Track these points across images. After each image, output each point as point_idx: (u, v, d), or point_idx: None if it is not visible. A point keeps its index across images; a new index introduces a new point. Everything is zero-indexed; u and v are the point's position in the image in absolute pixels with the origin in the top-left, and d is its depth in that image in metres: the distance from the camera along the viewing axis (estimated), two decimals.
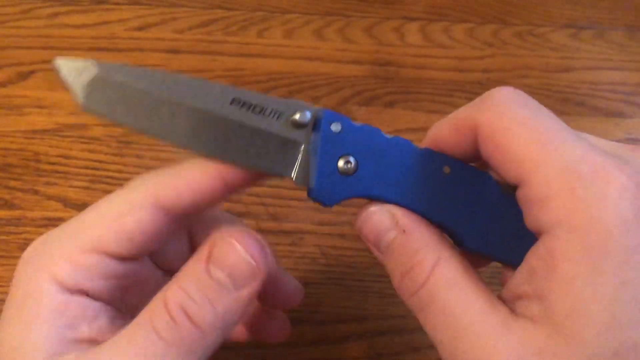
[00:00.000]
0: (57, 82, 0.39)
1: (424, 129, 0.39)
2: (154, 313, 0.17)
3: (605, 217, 0.15)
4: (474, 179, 0.20)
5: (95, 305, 0.19)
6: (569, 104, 0.41)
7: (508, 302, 0.17)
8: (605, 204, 0.15)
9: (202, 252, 0.18)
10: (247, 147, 0.19)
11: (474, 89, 0.41)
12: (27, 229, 0.34)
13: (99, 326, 0.19)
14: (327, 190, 0.20)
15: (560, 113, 0.41)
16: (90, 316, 0.19)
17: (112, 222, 0.18)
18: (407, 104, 0.40)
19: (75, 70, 0.19)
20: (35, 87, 0.39)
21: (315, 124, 0.20)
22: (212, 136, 0.19)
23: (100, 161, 0.36)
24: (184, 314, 0.17)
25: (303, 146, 0.20)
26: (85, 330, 0.18)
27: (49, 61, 0.40)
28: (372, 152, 0.20)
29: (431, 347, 0.31)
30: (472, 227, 0.20)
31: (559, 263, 0.15)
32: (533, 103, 0.17)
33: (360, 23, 0.44)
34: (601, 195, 0.15)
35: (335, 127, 0.20)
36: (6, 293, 0.30)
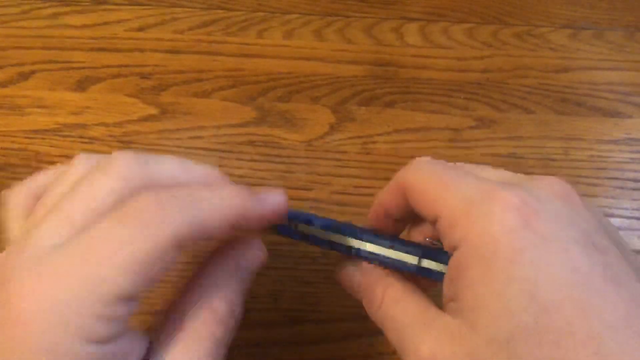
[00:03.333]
0: (58, 82, 0.39)
1: (424, 129, 0.39)
2: (213, 328, 0.20)
3: (492, 229, 0.18)
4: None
5: (130, 339, 0.19)
6: (568, 104, 0.41)
7: (443, 306, 0.21)
8: (492, 218, 0.18)
9: (230, 260, 0.22)
10: None
11: (473, 89, 0.41)
12: None
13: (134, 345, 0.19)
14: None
15: (559, 113, 0.41)
16: (127, 345, 0.19)
17: (138, 271, 0.17)
18: (406, 104, 0.40)
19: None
20: (35, 87, 0.39)
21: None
22: None
23: None
24: (234, 319, 0.21)
25: None
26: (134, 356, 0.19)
27: (49, 61, 0.41)
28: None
29: None
30: None
31: (463, 271, 0.19)
32: (442, 162, 0.22)
33: (360, 23, 0.44)
34: (488, 212, 0.18)
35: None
36: None
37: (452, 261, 0.20)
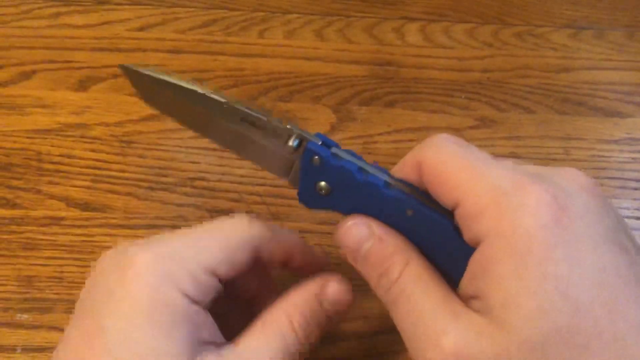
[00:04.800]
0: (59, 82, 0.39)
1: (424, 129, 0.39)
2: (284, 330, 0.22)
3: (526, 222, 0.17)
4: (433, 223, 0.22)
5: (207, 315, 0.22)
6: (568, 104, 0.41)
7: (462, 298, 0.20)
8: (525, 212, 0.17)
9: (313, 286, 0.24)
10: (255, 153, 0.25)
11: (474, 89, 0.41)
12: (30, 228, 0.34)
13: (214, 332, 0.22)
14: (309, 200, 0.24)
15: (559, 113, 0.41)
16: (208, 323, 0.22)
17: (227, 252, 0.22)
18: (407, 103, 0.40)
19: (137, 73, 0.26)
20: (37, 86, 0.39)
21: (304, 151, 0.23)
22: (230, 140, 0.25)
23: (102, 160, 0.36)
24: (305, 335, 0.22)
25: (296, 162, 0.24)
26: (206, 336, 0.21)
27: (50, 61, 0.41)
28: (345, 186, 0.23)
29: None
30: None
31: (491, 265, 0.18)
32: (463, 142, 0.21)
33: (361, 23, 0.44)
34: (521, 205, 0.18)
35: (316, 160, 0.23)
36: (7, 291, 0.31)
37: (477, 255, 0.19)
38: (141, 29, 0.42)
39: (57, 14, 0.43)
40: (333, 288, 0.23)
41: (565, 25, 0.45)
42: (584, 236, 0.17)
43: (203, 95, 0.24)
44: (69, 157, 0.36)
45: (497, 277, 0.17)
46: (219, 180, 0.35)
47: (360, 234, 0.22)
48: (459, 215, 0.19)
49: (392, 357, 0.31)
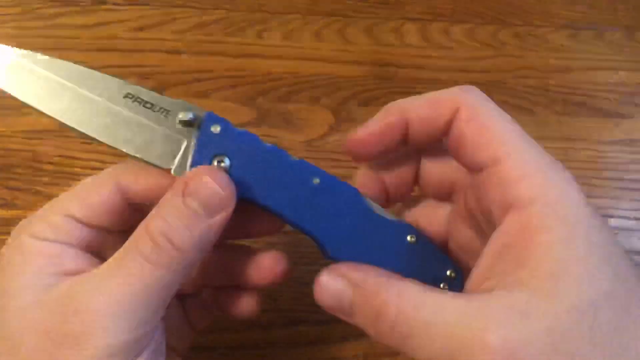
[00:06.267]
0: None
1: None
2: (139, 240, 0.20)
3: (572, 194, 0.18)
4: (341, 192, 0.22)
5: (73, 250, 0.22)
6: (568, 104, 0.41)
7: (473, 290, 0.19)
8: (571, 184, 0.18)
9: (178, 186, 0.21)
10: (134, 137, 0.22)
11: None
12: None
13: (81, 262, 0.22)
14: None
15: (560, 113, 0.41)
16: (72, 255, 0.22)
17: (79, 195, 0.23)
18: None
19: None
20: None
21: (199, 125, 0.22)
22: (102, 123, 0.22)
23: (100, 161, 0.36)
24: (165, 239, 0.20)
25: (185, 143, 0.22)
26: (70, 265, 0.21)
27: None
28: (247, 156, 0.21)
29: None
30: (336, 237, 0.22)
31: (536, 234, 0.17)
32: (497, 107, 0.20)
33: (360, 24, 0.44)
34: (565, 177, 0.18)
35: (215, 128, 0.21)
36: None
37: (510, 225, 0.18)
38: (140, 29, 0.42)
39: (56, 15, 0.43)
40: (196, 181, 0.20)
41: (564, 25, 0.45)
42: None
43: (82, 70, 0.23)
44: (68, 157, 0.36)
45: (543, 246, 0.17)
46: None
47: (335, 287, 0.20)
48: (493, 174, 0.19)
49: (392, 357, 0.31)
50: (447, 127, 0.20)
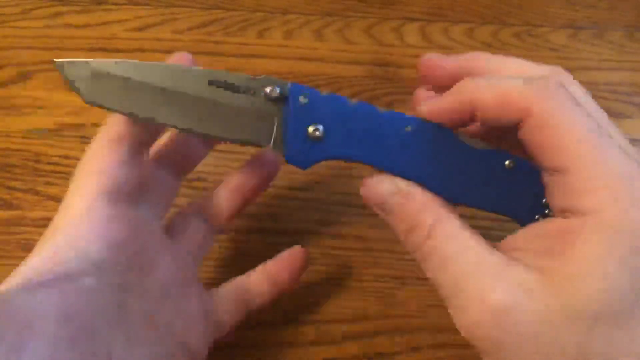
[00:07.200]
0: (57, 82, 0.39)
1: None
2: None
3: (635, 214, 0.17)
4: (435, 135, 0.22)
5: (129, 174, 0.25)
6: None
7: (503, 251, 0.19)
8: (636, 207, 0.17)
9: None
10: (228, 123, 0.22)
11: None
12: (28, 229, 0.34)
13: (133, 191, 0.25)
14: (301, 156, 0.22)
15: None
16: (129, 182, 0.24)
17: (110, 155, 0.24)
18: (406, 104, 0.40)
19: (75, 69, 0.22)
20: (35, 87, 0.39)
21: (286, 98, 0.22)
22: (195, 115, 0.22)
23: None
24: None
25: (276, 118, 0.22)
26: (125, 190, 0.24)
27: (49, 61, 0.40)
28: (338, 118, 0.22)
29: (431, 346, 0.31)
30: (437, 180, 0.22)
31: (579, 244, 0.17)
32: (579, 103, 0.19)
33: (360, 23, 0.44)
34: (636, 199, 0.17)
35: (303, 99, 0.22)
36: None
37: (561, 223, 0.18)
38: (139, 29, 0.42)
39: (56, 14, 0.43)
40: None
41: (564, 25, 0.45)
42: None
43: (163, 67, 0.22)
44: (67, 157, 0.36)
45: (580, 256, 0.17)
46: (218, 181, 0.35)
47: (384, 189, 0.21)
48: (559, 180, 0.19)
49: (392, 357, 0.31)
50: (516, 126, 0.20)
